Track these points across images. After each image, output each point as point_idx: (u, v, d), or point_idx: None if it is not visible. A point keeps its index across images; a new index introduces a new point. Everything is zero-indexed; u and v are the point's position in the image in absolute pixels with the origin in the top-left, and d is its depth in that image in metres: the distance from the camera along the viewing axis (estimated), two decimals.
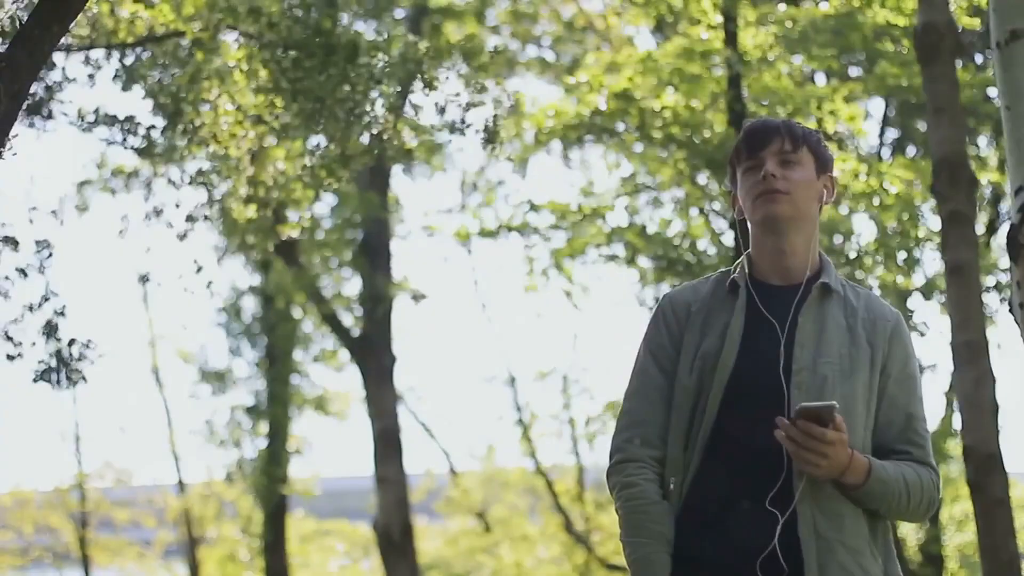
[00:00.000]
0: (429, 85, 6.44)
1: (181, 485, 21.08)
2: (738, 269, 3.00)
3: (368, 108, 6.50)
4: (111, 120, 6.86)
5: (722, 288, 2.98)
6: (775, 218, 2.93)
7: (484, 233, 12.81)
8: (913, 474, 2.89)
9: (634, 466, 2.89)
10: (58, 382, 6.28)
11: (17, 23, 4.14)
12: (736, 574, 2.79)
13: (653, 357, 2.96)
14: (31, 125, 6.64)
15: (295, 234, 9.66)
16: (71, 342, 6.36)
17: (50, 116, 6.64)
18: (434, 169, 18.08)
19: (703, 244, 11.83)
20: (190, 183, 7.22)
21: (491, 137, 6.62)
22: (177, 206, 7.43)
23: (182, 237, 7.35)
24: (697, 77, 11.07)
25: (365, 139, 6.75)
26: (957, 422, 11.19)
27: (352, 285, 18.09)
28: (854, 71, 11.94)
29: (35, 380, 6.30)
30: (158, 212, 7.48)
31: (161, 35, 6.58)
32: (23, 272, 6.39)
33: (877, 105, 14.28)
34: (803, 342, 2.88)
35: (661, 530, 2.83)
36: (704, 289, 3.00)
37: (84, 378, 6.32)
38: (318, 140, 7.04)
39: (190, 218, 7.33)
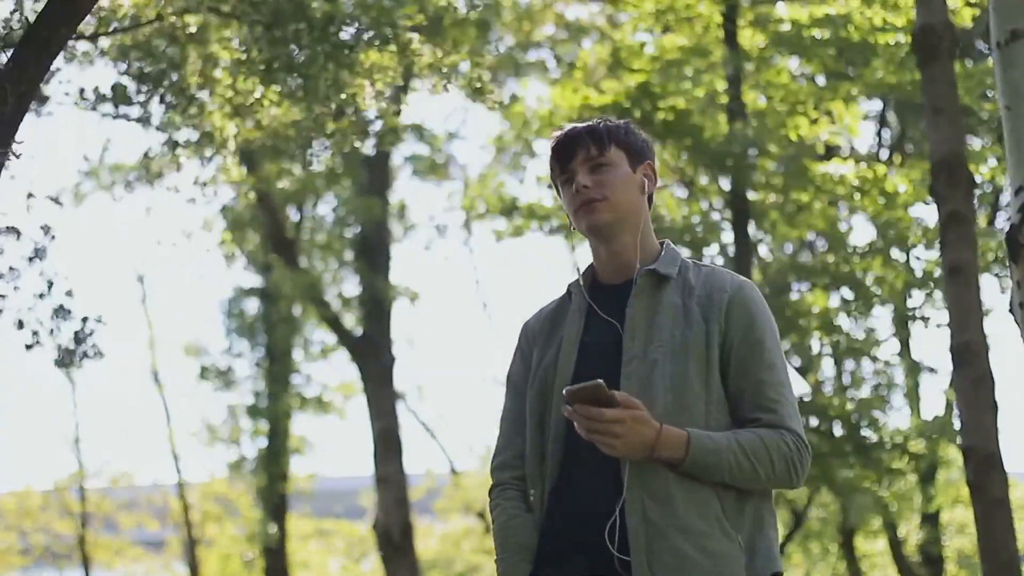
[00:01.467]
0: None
1: (181, 485, 21.09)
2: (579, 277, 3.05)
3: (353, 83, 6.49)
4: (111, 96, 6.85)
5: (564, 301, 3.05)
6: (597, 227, 2.95)
7: (493, 208, 12.80)
8: (752, 438, 2.81)
9: (498, 490, 3.00)
10: (80, 363, 6.33)
11: (25, 24, 4.16)
12: (588, 569, 2.81)
13: (510, 383, 3.06)
14: (37, 115, 6.65)
15: (292, 224, 9.60)
16: (84, 320, 6.41)
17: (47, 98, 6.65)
18: (437, 173, 18.13)
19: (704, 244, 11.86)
20: (184, 147, 7.15)
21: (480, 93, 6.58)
22: (178, 168, 7.38)
23: (192, 200, 7.29)
24: (698, 74, 11.10)
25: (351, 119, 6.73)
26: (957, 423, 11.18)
27: (352, 286, 18.13)
28: (852, 71, 11.95)
29: (58, 365, 6.36)
30: (159, 176, 7.42)
31: (143, 22, 6.57)
32: (35, 257, 6.41)
33: (875, 105, 14.32)
34: (633, 332, 2.88)
35: (520, 541, 2.90)
36: (549, 308, 3.07)
37: (100, 353, 6.37)
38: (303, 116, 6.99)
39: (197, 182, 7.28)
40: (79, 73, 6.75)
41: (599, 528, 2.78)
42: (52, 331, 6.31)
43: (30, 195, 6.51)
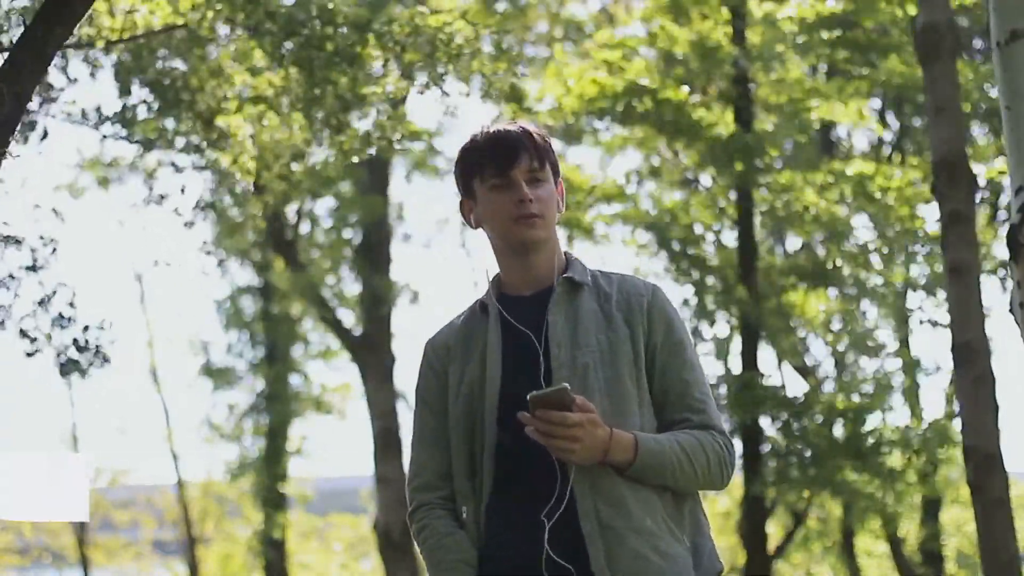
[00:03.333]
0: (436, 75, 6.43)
1: (180, 484, 21.09)
2: (487, 291, 2.99)
3: (369, 93, 6.52)
4: (114, 117, 6.86)
5: (475, 314, 2.98)
6: (533, 243, 2.91)
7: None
8: (691, 439, 2.83)
9: (424, 510, 2.91)
10: (83, 371, 6.32)
11: (22, 24, 4.15)
12: None
13: (423, 402, 2.97)
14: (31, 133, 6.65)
15: (292, 224, 9.64)
16: (86, 328, 6.40)
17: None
18: (432, 172, 18.13)
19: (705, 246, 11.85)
20: (193, 158, 7.17)
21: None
22: (182, 191, 7.40)
23: (189, 224, 7.31)
24: (705, 70, 11.10)
25: (364, 126, 6.76)
26: (957, 422, 11.19)
27: (352, 285, 18.12)
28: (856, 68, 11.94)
29: (62, 375, 6.35)
30: (163, 198, 7.45)
31: (159, 29, 6.59)
32: (32, 268, 6.40)
33: (875, 103, 14.31)
34: (558, 340, 2.86)
35: (460, 558, 2.83)
36: (458, 322, 3.00)
37: (107, 359, 6.35)
38: (318, 136, 7.04)
39: (198, 205, 7.29)
40: (81, 90, 6.75)
41: (542, 538, 2.75)
42: (50, 337, 6.30)
43: (36, 207, 6.52)
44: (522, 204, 2.88)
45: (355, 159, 6.88)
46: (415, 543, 2.94)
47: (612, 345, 2.86)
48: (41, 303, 6.35)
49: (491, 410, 2.84)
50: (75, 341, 6.33)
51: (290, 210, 17.28)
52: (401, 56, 6.39)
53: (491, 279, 3.01)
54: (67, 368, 6.33)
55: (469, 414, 2.87)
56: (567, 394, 2.69)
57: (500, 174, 2.90)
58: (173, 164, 7.45)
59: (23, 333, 6.29)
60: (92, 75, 6.87)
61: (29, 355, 6.29)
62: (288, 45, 6.28)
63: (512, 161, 2.90)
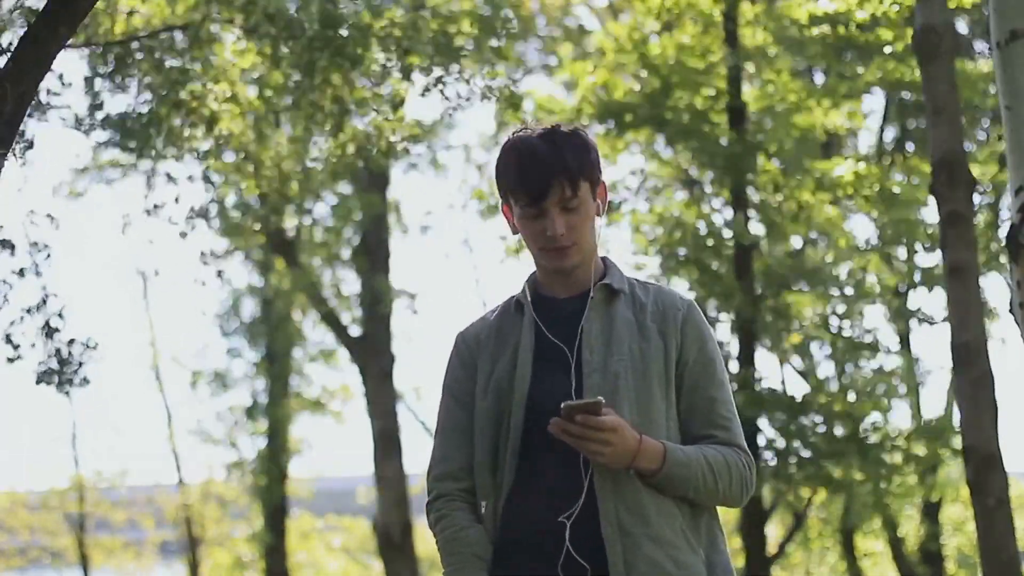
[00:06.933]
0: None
1: (180, 485, 21.08)
2: (523, 289, 3.00)
3: (367, 96, 6.54)
4: (108, 122, 6.86)
5: (509, 311, 2.99)
6: (563, 270, 2.92)
7: (488, 212, 12.84)
8: (716, 454, 2.85)
9: (443, 501, 2.93)
10: (60, 384, 6.29)
11: (25, 23, 4.16)
12: None
13: (450, 393, 2.98)
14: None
15: (292, 226, 9.66)
16: (71, 342, 6.38)
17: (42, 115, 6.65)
18: (436, 167, 18.14)
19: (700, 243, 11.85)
20: (190, 166, 7.19)
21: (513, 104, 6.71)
22: (176, 201, 7.40)
23: (184, 235, 7.32)
24: (699, 73, 11.11)
25: (361, 134, 6.78)
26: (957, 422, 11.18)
27: (351, 285, 18.12)
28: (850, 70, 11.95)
29: (37, 382, 6.33)
30: (157, 207, 7.46)
31: (158, 29, 6.60)
32: (21, 273, 6.40)
33: (876, 103, 14.33)
34: (591, 345, 2.87)
35: (474, 551, 2.86)
36: (491, 317, 3.01)
37: (87, 380, 6.33)
38: (316, 139, 7.07)
39: (192, 215, 7.31)
40: (80, 89, 6.73)
41: (561, 537, 2.77)
42: (33, 345, 6.30)
43: (31, 212, 6.53)
44: (549, 237, 2.86)
45: (357, 161, 6.90)
46: (432, 532, 2.96)
47: (644, 355, 2.87)
48: (29, 310, 6.35)
49: (518, 408, 2.85)
50: (58, 352, 6.31)
51: (289, 209, 17.28)
52: (404, 58, 6.40)
53: (528, 278, 3.02)
54: (43, 378, 6.31)
55: (496, 410, 2.88)
56: (600, 407, 2.71)
57: (532, 204, 2.86)
58: (168, 175, 7.47)
59: (8, 339, 6.28)
60: (87, 80, 6.87)
61: (10, 360, 6.29)
62: (286, 48, 6.30)
63: (543, 194, 2.84)
